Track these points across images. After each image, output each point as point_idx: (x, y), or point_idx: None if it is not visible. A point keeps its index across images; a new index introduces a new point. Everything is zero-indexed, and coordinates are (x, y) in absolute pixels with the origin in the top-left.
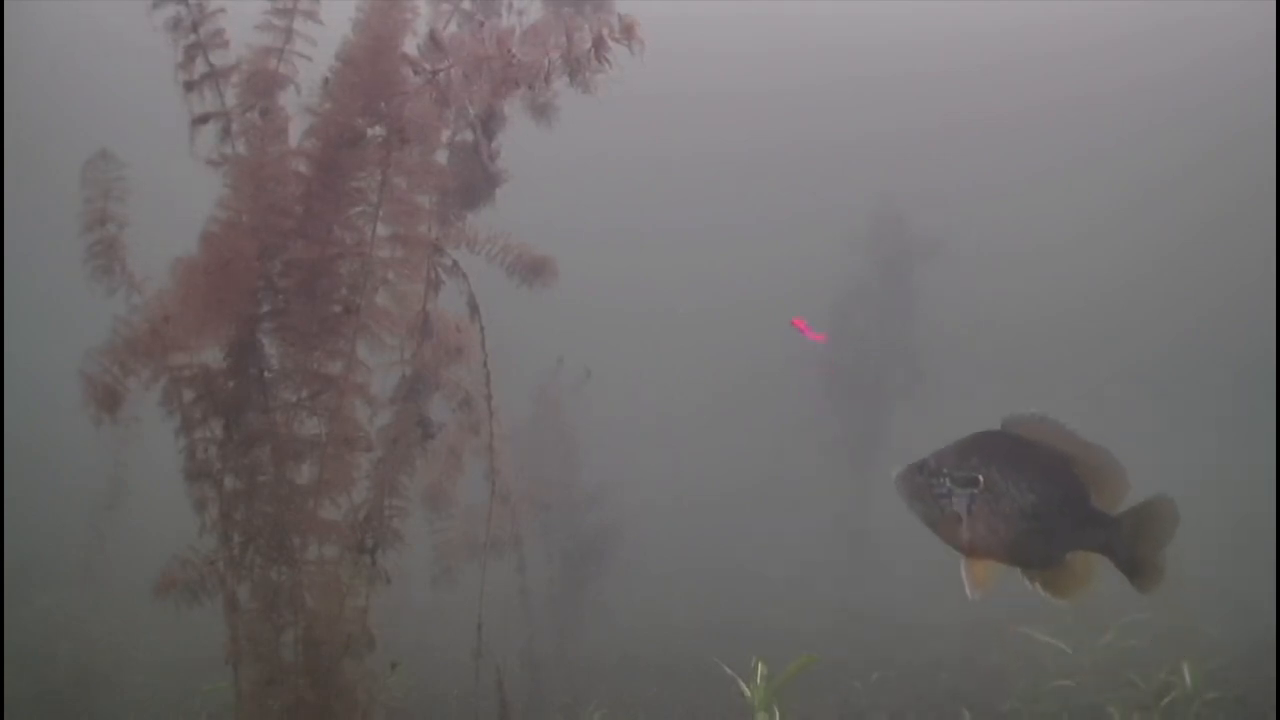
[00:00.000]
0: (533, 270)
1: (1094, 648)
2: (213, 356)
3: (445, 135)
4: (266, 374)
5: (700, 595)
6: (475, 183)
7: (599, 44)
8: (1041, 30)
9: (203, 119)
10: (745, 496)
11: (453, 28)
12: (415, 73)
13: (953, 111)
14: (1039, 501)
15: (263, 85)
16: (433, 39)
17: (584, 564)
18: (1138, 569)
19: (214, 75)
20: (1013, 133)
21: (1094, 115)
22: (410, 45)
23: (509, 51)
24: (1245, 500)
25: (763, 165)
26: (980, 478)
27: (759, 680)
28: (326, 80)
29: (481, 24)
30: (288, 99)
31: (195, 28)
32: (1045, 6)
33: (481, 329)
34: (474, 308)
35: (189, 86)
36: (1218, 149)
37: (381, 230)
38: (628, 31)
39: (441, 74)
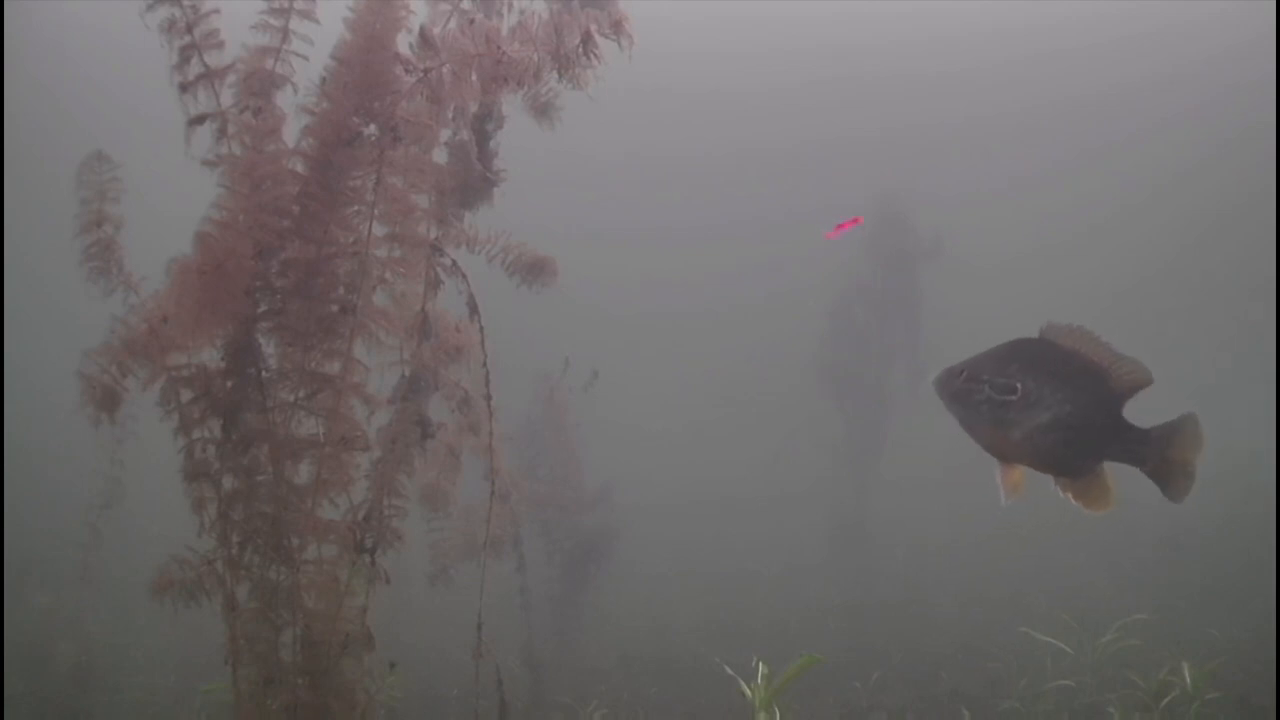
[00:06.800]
0: (533, 270)
1: (1094, 648)
2: (210, 356)
3: (444, 135)
4: (264, 374)
5: (700, 595)
6: (472, 182)
7: (587, 40)
8: (1041, 30)
9: (198, 119)
10: (745, 496)
11: (451, 26)
12: (407, 71)
13: (952, 111)
14: (1074, 411)
15: (259, 85)
16: (424, 37)
17: (584, 564)
18: (1170, 475)
19: (209, 76)
20: (1012, 133)
21: (1094, 115)
22: (405, 44)
23: (498, 49)
24: (1243, 501)
25: (763, 165)
26: (1019, 385)
27: (760, 680)
28: (322, 80)
29: (471, 21)
30: (284, 98)
31: (190, 29)
32: (1045, 7)
33: (481, 329)
34: (474, 308)
35: (184, 87)
36: (1218, 149)
37: (378, 230)
38: (616, 27)
39: (433, 72)
